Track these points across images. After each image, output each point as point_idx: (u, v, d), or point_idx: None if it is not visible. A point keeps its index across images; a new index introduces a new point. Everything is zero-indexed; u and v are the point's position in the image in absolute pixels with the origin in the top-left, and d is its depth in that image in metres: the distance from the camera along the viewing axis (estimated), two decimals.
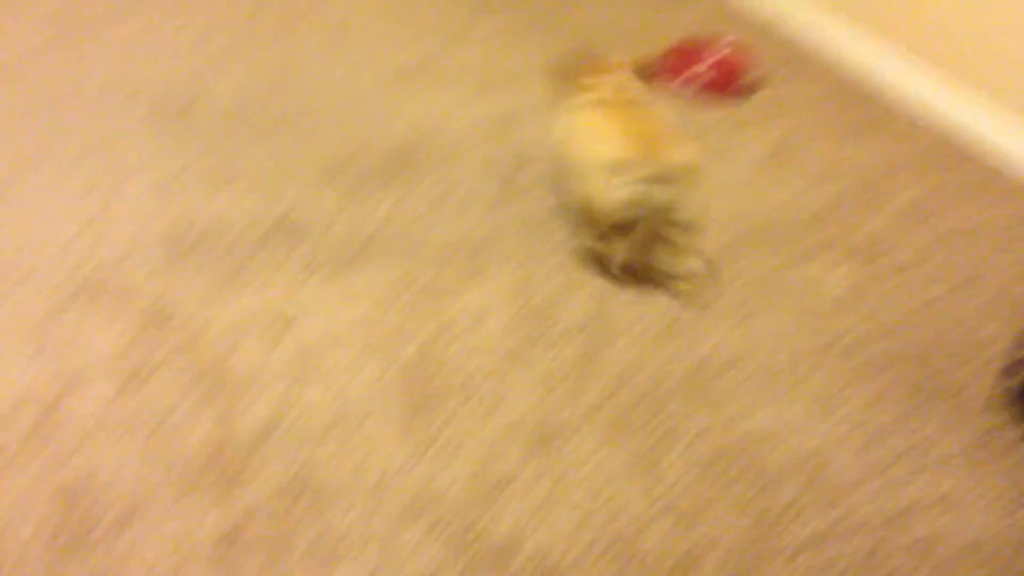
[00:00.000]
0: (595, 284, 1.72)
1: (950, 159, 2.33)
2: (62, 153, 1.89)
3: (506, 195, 1.94)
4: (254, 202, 1.82)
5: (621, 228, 1.68)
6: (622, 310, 1.67)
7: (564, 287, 1.70)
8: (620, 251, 1.73)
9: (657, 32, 2.82)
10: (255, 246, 1.70)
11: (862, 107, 2.54)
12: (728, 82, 2.51)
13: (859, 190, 2.14)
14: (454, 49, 2.57)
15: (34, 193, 1.75)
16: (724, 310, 1.71)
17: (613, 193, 1.65)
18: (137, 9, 2.53)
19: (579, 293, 1.69)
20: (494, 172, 2.01)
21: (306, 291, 1.61)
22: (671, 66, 2.54)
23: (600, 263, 1.76)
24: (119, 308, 1.51)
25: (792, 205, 2.06)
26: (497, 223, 1.85)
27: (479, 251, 1.76)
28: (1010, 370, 1.59)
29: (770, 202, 2.06)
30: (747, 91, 2.53)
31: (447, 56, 2.52)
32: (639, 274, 1.75)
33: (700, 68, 2.51)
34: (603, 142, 1.69)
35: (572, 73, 1.87)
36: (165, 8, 2.55)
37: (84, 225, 1.69)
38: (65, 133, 1.96)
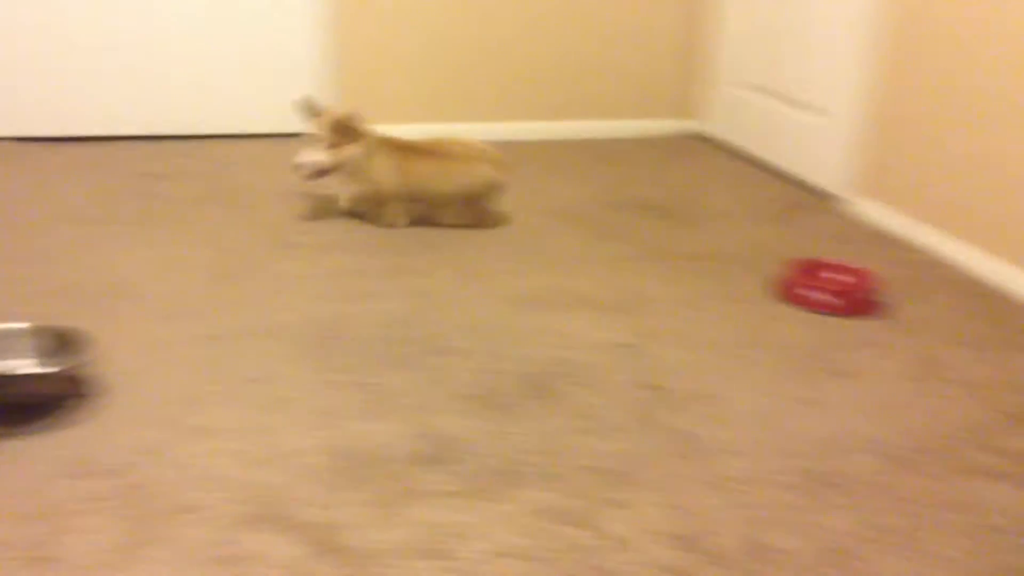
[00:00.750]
0: (745, 511, 1.70)
1: None
2: (224, 388, 1.99)
3: (643, 423, 1.96)
4: (403, 427, 1.88)
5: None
6: (781, 536, 1.64)
7: (715, 513, 1.69)
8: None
9: (781, 248, 2.89)
10: (408, 468, 1.75)
11: (998, 322, 2.53)
12: (855, 303, 2.54)
13: (1010, 405, 2.10)
14: (574, 278, 2.67)
15: (200, 428, 1.83)
16: (888, 535, 1.66)
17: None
18: (283, 256, 2.71)
19: (730, 520, 1.67)
20: (629, 399, 2.04)
21: (459, 514, 1.63)
22: (795, 287, 2.59)
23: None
24: (287, 530, 1.55)
25: (939, 423, 2.03)
26: (638, 450, 1.86)
27: (622, 478, 1.77)
28: None
29: (915, 421, 2.03)
30: (875, 310, 2.55)
31: (567, 284, 2.62)
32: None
33: (826, 292, 2.55)
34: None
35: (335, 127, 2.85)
36: (305, 256, 2.73)
37: (249, 455, 1.76)
38: (226, 369, 2.07)
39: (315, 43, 3.88)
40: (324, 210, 3.09)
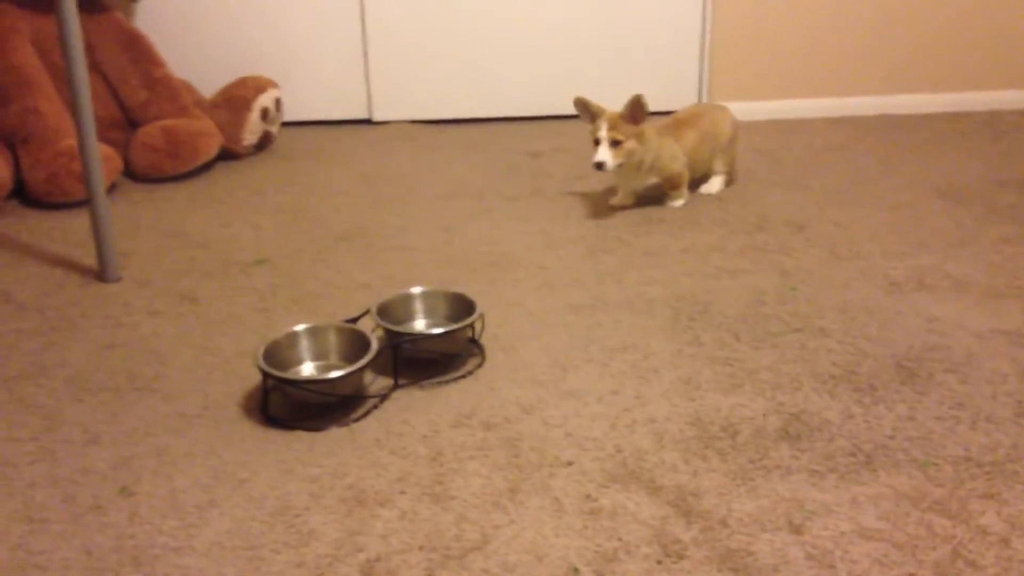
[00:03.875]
0: None
1: None
2: (594, 355, 2.12)
3: (1021, 417, 1.85)
4: (764, 403, 1.91)
5: None
6: None
7: None
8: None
9: None
10: (768, 443, 1.78)
11: None
12: None
13: None
14: (955, 260, 2.54)
15: (572, 391, 1.98)
16: None
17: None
18: (648, 231, 2.82)
19: None
20: (1008, 391, 1.93)
21: (818, 492, 1.64)
22: None
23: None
24: (650, 491, 1.65)
25: None
26: (1015, 444, 1.77)
27: (996, 471, 1.69)
28: None
29: None
30: None
31: (948, 267, 2.50)
32: None
33: None
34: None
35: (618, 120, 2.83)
36: (671, 231, 2.81)
37: (617, 419, 1.87)
38: (597, 337, 2.20)
39: (695, 27, 3.95)
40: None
